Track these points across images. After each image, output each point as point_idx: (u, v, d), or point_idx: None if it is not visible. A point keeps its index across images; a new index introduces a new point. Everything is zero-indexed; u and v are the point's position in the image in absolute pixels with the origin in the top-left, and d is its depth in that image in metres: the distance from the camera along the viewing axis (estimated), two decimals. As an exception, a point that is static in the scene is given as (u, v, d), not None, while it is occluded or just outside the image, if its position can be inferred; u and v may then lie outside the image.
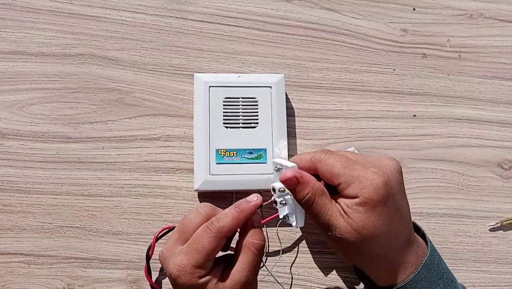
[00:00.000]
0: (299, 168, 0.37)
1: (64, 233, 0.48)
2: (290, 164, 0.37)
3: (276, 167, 0.39)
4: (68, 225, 0.48)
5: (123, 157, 0.50)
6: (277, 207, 0.39)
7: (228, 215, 0.35)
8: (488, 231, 0.52)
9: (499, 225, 0.52)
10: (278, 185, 0.37)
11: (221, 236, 0.34)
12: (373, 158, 0.38)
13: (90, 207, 0.49)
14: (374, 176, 0.35)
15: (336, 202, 0.37)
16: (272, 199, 0.38)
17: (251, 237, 0.35)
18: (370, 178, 0.35)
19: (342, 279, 0.49)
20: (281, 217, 0.39)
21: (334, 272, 0.50)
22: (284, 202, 0.38)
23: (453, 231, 0.52)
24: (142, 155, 0.50)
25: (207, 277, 0.34)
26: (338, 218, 0.36)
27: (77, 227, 0.48)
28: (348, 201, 0.36)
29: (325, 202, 0.36)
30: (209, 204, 0.37)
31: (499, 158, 0.54)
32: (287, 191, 0.38)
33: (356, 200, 0.35)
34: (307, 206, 0.37)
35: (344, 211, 0.36)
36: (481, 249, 0.52)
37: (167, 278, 0.48)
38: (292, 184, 0.36)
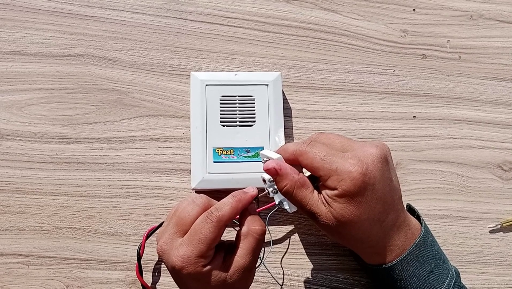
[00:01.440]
0: (284, 159, 0.39)
1: (63, 234, 0.48)
2: (276, 156, 0.39)
3: (263, 159, 0.40)
4: (67, 226, 0.48)
5: (122, 157, 0.50)
6: (271, 196, 0.40)
7: (227, 204, 0.36)
8: (488, 233, 0.52)
9: (499, 226, 0.52)
10: (267, 176, 0.39)
11: (221, 225, 0.35)
12: (357, 146, 0.38)
13: (89, 208, 0.48)
14: (351, 168, 0.36)
15: (320, 190, 0.38)
16: (265, 189, 0.40)
17: (253, 224, 0.37)
18: (348, 170, 0.36)
19: (341, 280, 0.49)
20: (276, 202, 0.41)
21: (333, 273, 0.49)
22: (275, 190, 0.40)
23: (453, 232, 0.52)
24: (141, 155, 0.50)
25: (211, 266, 0.35)
26: (320, 207, 0.37)
27: (76, 228, 0.48)
28: (328, 192, 0.37)
29: (304, 194, 0.37)
30: (204, 195, 0.38)
31: (499, 159, 0.54)
32: None
33: (335, 191, 0.36)
34: (287, 196, 0.38)
35: (325, 200, 0.37)
36: (481, 250, 0.52)
37: (161, 277, 0.48)
38: (272, 175, 0.38)
